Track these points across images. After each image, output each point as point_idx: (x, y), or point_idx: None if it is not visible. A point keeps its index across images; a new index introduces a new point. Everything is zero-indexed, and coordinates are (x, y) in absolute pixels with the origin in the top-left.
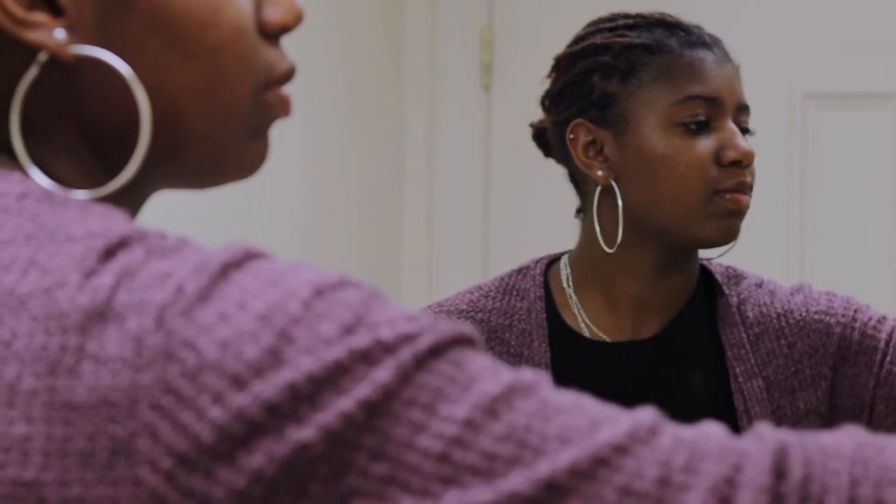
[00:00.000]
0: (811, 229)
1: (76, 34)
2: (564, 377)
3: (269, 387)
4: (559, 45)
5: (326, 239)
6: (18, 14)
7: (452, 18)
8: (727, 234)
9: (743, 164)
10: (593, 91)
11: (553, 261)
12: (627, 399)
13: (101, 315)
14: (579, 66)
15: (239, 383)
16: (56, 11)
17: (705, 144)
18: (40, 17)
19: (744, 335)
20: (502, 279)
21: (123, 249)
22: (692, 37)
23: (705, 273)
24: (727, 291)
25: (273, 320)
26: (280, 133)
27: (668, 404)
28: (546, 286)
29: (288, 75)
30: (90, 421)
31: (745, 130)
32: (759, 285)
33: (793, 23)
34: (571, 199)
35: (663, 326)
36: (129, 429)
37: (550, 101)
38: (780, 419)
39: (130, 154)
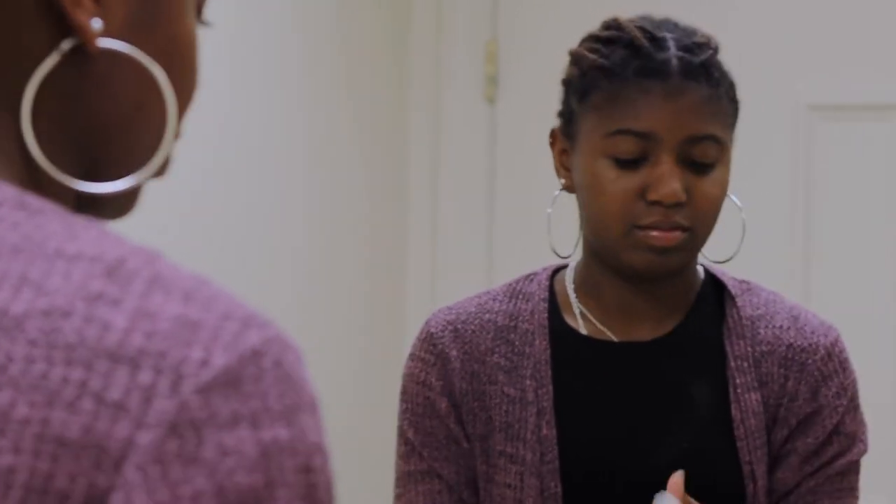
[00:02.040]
0: (816, 242)
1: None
2: (565, 374)
3: None
4: (564, 57)
5: (331, 251)
6: None
7: (457, 30)
8: (650, 268)
9: (664, 204)
10: (566, 102)
11: (562, 267)
12: (626, 398)
13: (111, 354)
14: (566, 73)
15: (220, 499)
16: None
17: (633, 179)
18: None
19: (749, 349)
20: (510, 284)
21: (126, 275)
22: (652, 62)
23: (716, 282)
24: (741, 303)
25: (270, 465)
26: (284, 144)
27: (665, 406)
28: (551, 290)
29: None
30: (76, 461)
31: (700, 165)
32: (776, 301)
33: (797, 35)
34: (576, 212)
35: (667, 330)
36: (110, 481)
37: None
38: (768, 436)
39: (113, 155)
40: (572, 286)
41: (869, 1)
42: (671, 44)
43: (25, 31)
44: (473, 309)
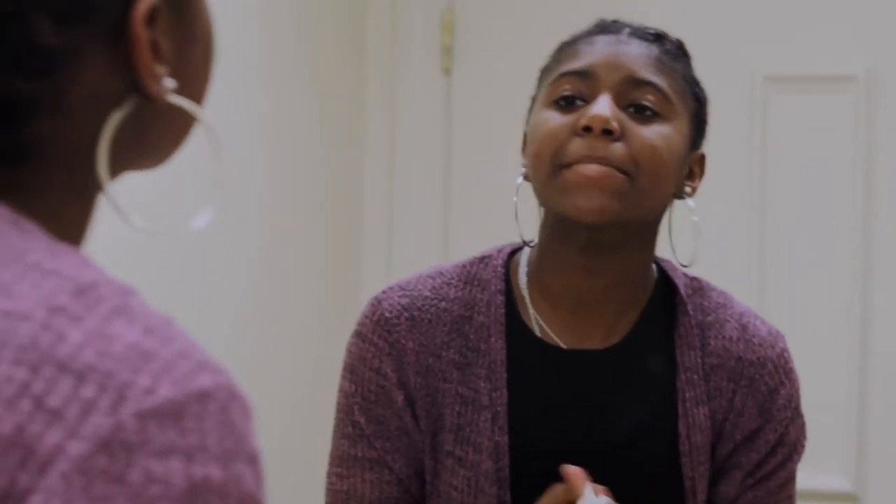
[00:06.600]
0: (772, 213)
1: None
2: (518, 378)
3: None
4: (520, 28)
5: (286, 223)
6: (155, 70)
7: (413, 0)
8: (577, 210)
9: (593, 130)
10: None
11: (517, 250)
12: (576, 408)
13: (59, 363)
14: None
15: None
16: (157, 55)
17: (569, 117)
18: (161, 68)
19: (699, 360)
20: (463, 266)
21: (95, 298)
22: (606, 25)
23: (668, 282)
24: (691, 310)
25: (196, 501)
26: (240, 116)
27: (613, 418)
28: (507, 278)
29: None
30: (3, 456)
31: (642, 111)
32: (726, 306)
33: (753, 5)
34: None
35: (618, 338)
36: (32, 482)
37: None
38: (714, 452)
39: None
40: (525, 279)
41: None
42: (629, 24)
43: (96, 84)
44: (428, 293)
